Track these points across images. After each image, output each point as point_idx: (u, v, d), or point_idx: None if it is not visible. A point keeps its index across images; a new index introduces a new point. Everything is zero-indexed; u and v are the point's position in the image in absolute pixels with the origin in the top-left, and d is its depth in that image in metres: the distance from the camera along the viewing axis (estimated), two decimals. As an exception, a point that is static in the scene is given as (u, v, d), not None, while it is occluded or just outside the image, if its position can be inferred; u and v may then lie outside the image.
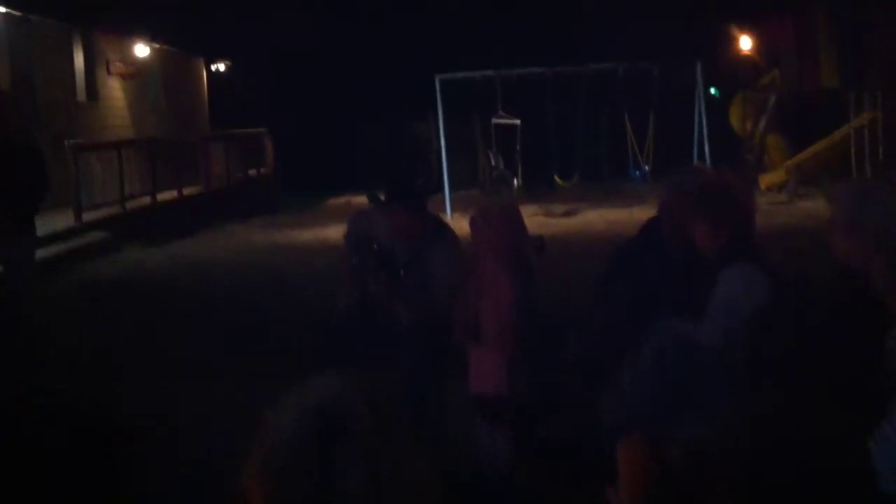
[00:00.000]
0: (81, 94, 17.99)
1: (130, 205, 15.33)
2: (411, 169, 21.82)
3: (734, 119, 21.52)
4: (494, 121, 18.71)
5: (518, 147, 18.86)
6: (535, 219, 15.23)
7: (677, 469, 2.38)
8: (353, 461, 1.27)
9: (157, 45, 20.75)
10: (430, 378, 4.66)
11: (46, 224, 11.40)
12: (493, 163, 20.30)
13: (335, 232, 13.88)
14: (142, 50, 19.86)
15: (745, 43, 21.18)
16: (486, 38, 24.95)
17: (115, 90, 19.39)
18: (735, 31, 21.11)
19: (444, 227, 5.07)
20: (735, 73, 21.90)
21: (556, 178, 18.33)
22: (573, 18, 25.51)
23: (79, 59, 17.94)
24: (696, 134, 17.16)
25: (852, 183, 9.26)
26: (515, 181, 19.17)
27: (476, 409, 4.37)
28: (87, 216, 13.80)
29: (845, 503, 1.35)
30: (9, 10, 14.94)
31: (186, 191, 17.59)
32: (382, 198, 5.01)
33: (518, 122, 18.61)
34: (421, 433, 1.31)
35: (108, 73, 19.04)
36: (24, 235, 6.74)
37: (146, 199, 16.03)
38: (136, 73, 20.01)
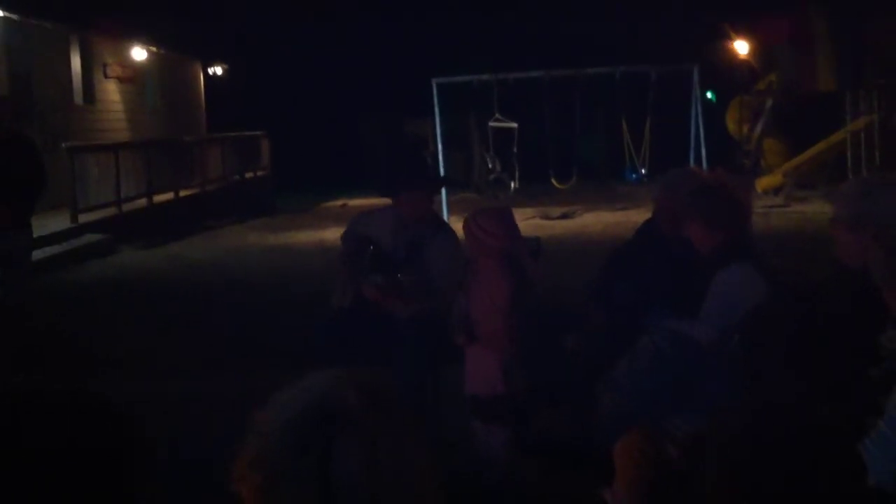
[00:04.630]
0: (78, 97, 17.98)
1: (127, 206, 15.33)
2: (416, 154, 21.85)
3: (731, 123, 21.53)
4: (492, 124, 18.72)
5: (515, 150, 18.87)
6: (531, 221, 15.25)
7: (674, 463, 2.41)
8: (351, 452, 1.26)
9: (154, 49, 20.74)
10: (425, 373, 4.67)
11: (43, 225, 11.40)
12: (490, 165, 20.31)
13: (331, 234, 13.89)
14: (139, 53, 19.86)
15: (742, 47, 21.20)
16: (482, 39, 24.98)
17: (112, 93, 19.38)
18: (731, 33, 21.13)
19: (444, 224, 5.10)
20: (732, 76, 21.93)
21: (553, 180, 18.34)
22: (570, 21, 25.54)
23: (76, 63, 17.93)
24: (692, 137, 17.17)
25: (853, 180, 9.29)
26: (512, 184, 19.18)
27: (472, 410, 4.38)
28: (84, 218, 13.80)
29: (839, 496, 1.36)
30: (6, 14, 14.93)
31: (183, 193, 17.59)
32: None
33: (515, 125, 18.62)
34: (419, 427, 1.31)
35: (105, 76, 19.03)
36: (21, 228, 6.71)
37: (143, 201, 16.03)
38: (134, 77, 20.01)
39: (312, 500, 1.24)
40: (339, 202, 20.46)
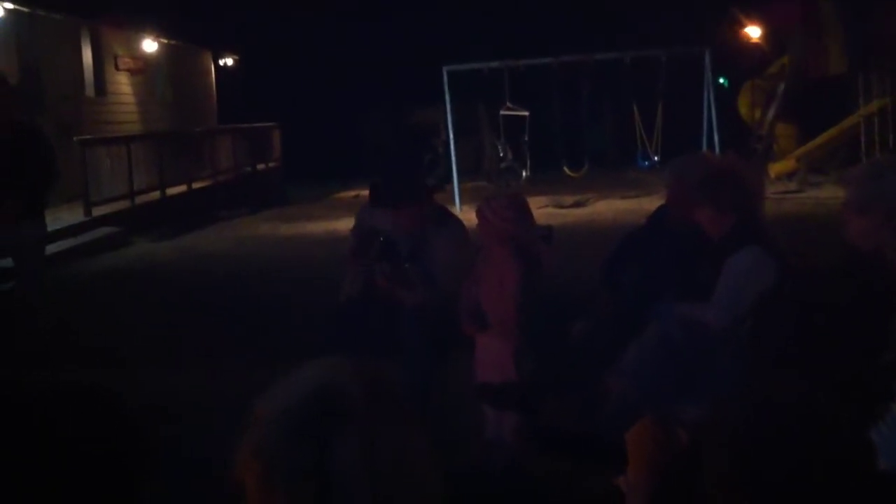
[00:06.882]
0: (90, 90, 18.02)
1: (140, 199, 15.36)
2: (412, 162, 21.71)
3: (743, 108, 21.42)
4: (503, 112, 18.66)
5: (526, 138, 18.81)
6: (544, 209, 15.21)
7: (683, 450, 2.40)
8: (350, 443, 1.26)
9: (165, 40, 20.76)
10: (431, 364, 4.66)
11: (57, 219, 11.45)
12: (501, 154, 20.27)
13: (343, 224, 13.90)
14: (149, 45, 19.88)
15: (753, 31, 21.08)
16: (492, 27, 24.90)
17: (123, 85, 19.41)
18: (742, 17, 21.00)
19: (449, 216, 5.06)
20: (743, 61, 21.81)
21: (564, 168, 18.29)
22: (580, 7, 25.44)
23: (87, 55, 17.96)
24: (704, 123, 17.08)
25: (865, 163, 9.23)
26: (524, 172, 19.14)
27: (482, 397, 4.37)
28: (97, 211, 13.84)
29: (848, 482, 1.35)
30: (16, 7, 14.96)
31: (195, 184, 17.63)
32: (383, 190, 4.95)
33: (527, 113, 18.55)
34: (422, 419, 1.31)
35: (116, 68, 19.06)
36: (32, 220, 6.70)
37: (155, 194, 16.06)
38: (144, 68, 20.03)
39: (310, 489, 1.23)
40: (352, 193, 20.45)
